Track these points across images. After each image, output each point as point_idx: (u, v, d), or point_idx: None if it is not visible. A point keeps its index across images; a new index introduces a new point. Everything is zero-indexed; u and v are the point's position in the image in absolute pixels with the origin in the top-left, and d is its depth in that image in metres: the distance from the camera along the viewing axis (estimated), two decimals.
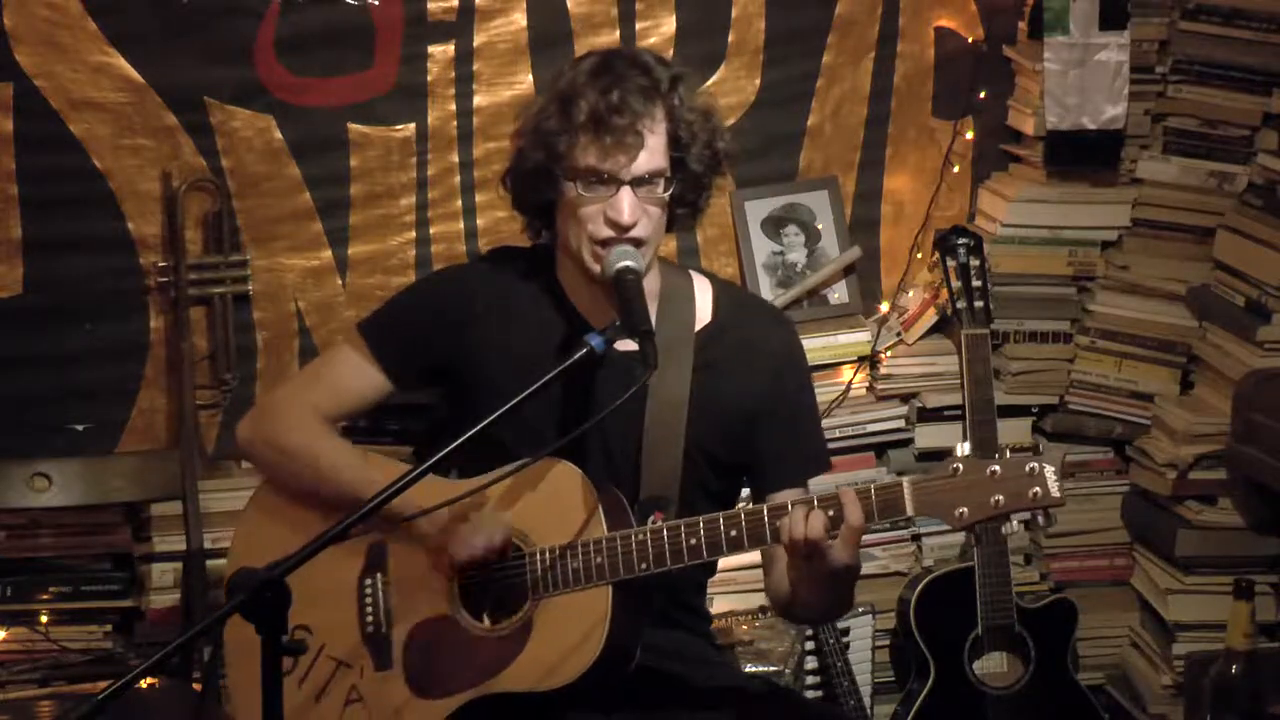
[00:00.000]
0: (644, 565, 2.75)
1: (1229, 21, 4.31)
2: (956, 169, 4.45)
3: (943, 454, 4.24)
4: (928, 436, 4.35)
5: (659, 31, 4.25)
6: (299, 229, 4.18)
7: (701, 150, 2.85)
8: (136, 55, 4.03)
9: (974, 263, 4.13)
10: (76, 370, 4.12)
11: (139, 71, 4.04)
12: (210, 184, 4.10)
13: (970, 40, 4.40)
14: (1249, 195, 4.33)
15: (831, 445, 4.24)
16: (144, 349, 4.14)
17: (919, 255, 4.43)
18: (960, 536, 4.21)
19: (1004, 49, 4.41)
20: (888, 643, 4.30)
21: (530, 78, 4.20)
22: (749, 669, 4.00)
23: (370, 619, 2.90)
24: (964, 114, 4.42)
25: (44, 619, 4.05)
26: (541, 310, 2.95)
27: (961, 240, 4.14)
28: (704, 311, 2.98)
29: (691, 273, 3.04)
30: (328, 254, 4.20)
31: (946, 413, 4.32)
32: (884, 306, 4.44)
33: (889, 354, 4.35)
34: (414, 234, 4.23)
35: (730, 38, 4.30)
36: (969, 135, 4.44)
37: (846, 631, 4.21)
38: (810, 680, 4.15)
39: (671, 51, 4.18)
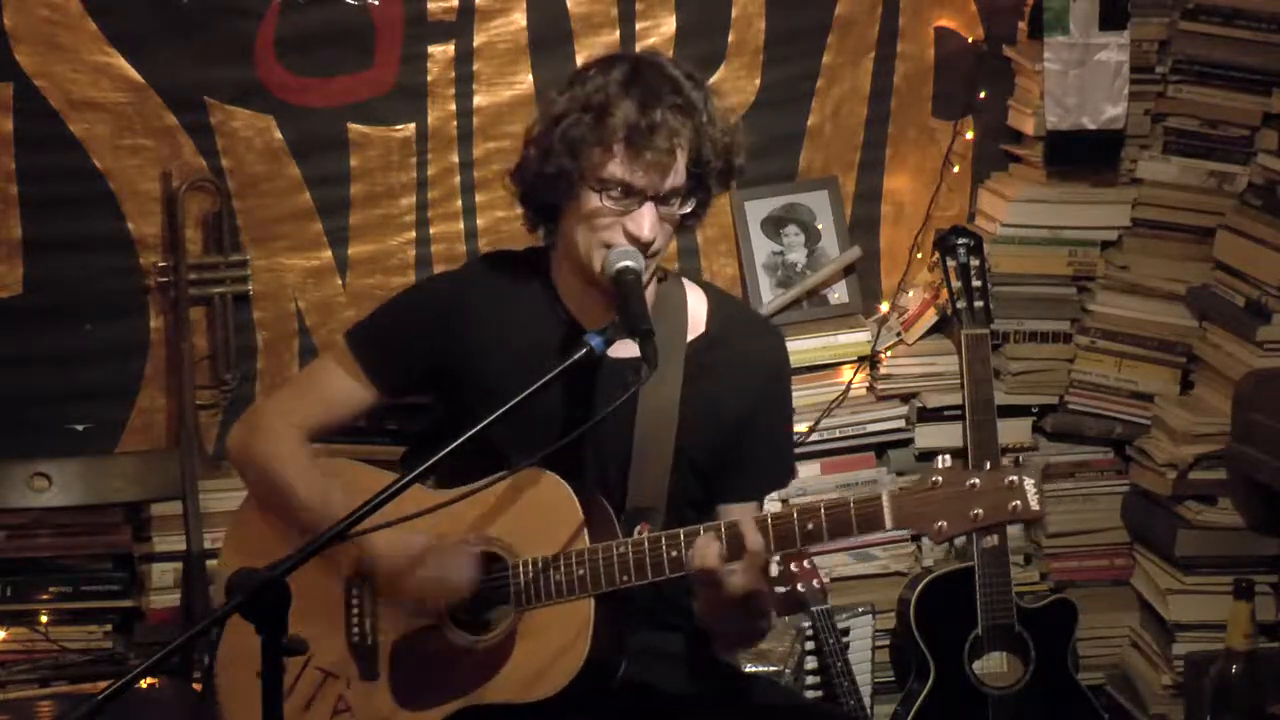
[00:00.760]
0: (625, 578, 2.75)
1: (1229, 21, 4.30)
2: (956, 169, 4.45)
3: (943, 454, 4.27)
4: (928, 436, 4.35)
5: (659, 31, 4.25)
6: (299, 229, 4.18)
7: (721, 169, 2.85)
8: (136, 55, 4.03)
9: (974, 263, 4.13)
10: (76, 370, 4.13)
11: (139, 71, 4.04)
12: (210, 184, 4.10)
13: (970, 40, 4.40)
14: (1249, 195, 4.33)
15: (831, 445, 4.31)
16: (144, 349, 4.15)
17: (919, 255, 4.43)
18: (960, 536, 4.21)
19: (1004, 49, 4.41)
20: (888, 643, 4.30)
21: (530, 78, 4.20)
22: (749, 669, 3.99)
23: (357, 629, 2.90)
24: (964, 114, 4.42)
25: (44, 619, 4.05)
26: (536, 315, 2.94)
27: (961, 240, 4.15)
28: (697, 321, 2.98)
29: (685, 282, 3.04)
30: (328, 254, 4.20)
31: (946, 413, 4.32)
32: (884, 306, 4.44)
33: (889, 354, 4.35)
34: (414, 234, 4.23)
35: (730, 38, 4.30)
36: (969, 135, 4.44)
37: (846, 631, 4.21)
38: (810, 680, 4.15)
39: (672, 51, 4.18)
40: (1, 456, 3.98)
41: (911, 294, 4.42)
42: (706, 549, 2.67)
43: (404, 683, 2.87)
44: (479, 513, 2.84)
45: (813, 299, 4.39)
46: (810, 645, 4.14)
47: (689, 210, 2.85)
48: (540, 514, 2.81)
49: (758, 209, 4.36)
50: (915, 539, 4.35)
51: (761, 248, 4.36)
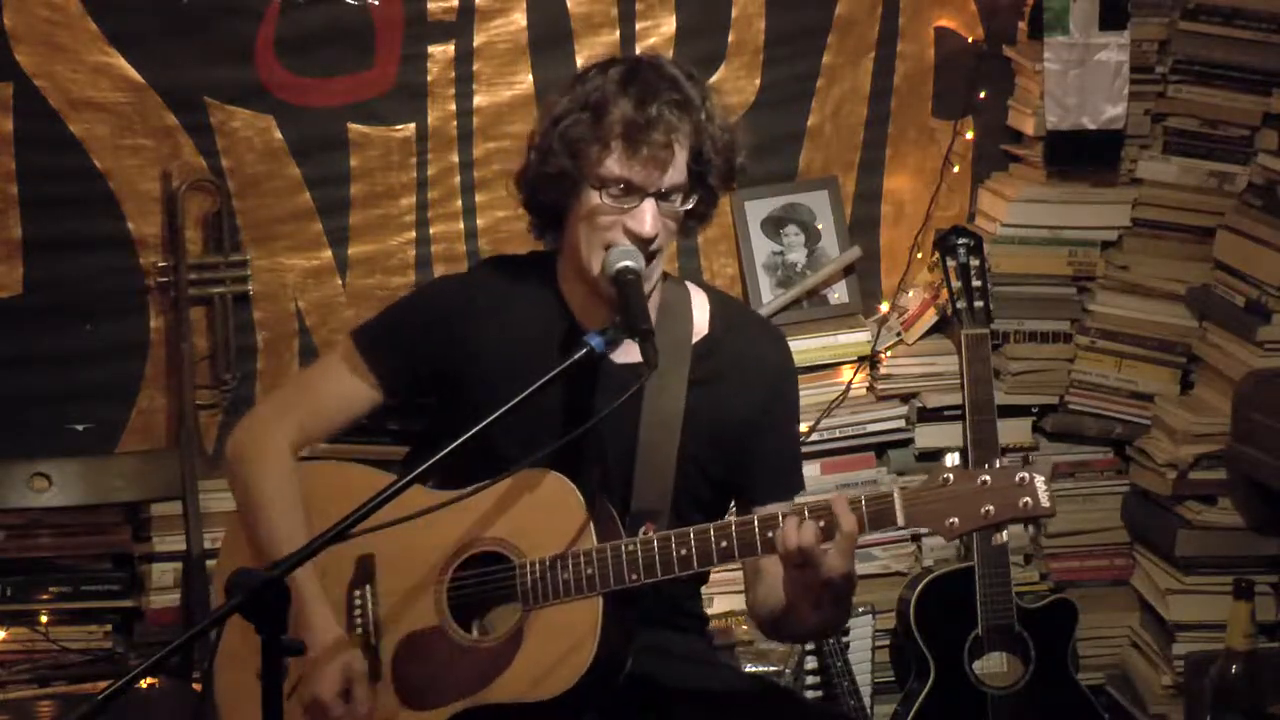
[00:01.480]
0: (634, 576, 2.75)
1: (1229, 21, 4.31)
2: (956, 169, 4.45)
3: (943, 454, 4.27)
4: (928, 436, 4.35)
5: (659, 31, 4.25)
6: (299, 229, 4.18)
7: (722, 167, 2.85)
8: (136, 55, 4.03)
9: (974, 263, 4.13)
10: (76, 370, 4.12)
11: (139, 71, 4.04)
12: (210, 184, 4.10)
13: (970, 40, 4.40)
14: (1249, 195, 4.33)
15: (831, 445, 4.31)
16: (144, 349, 4.15)
17: (919, 255, 4.43)
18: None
19: (1004, 49, 4.41)
20: (888, 643, 4.30)
21: (530, 78, 4.20)
22: (749, 669, 4.00)
23: (360, 630, 2.90)
24: (964, 114, 4.42)
25: (44, 619, 4.05)
26: (540, 318, 2.94)
27: (961, 240, 4.15)
28: (701, 324, 2.98)
29: (689, 285, 3.04)
30: (328, 254, 4.20)
31: (946, 413, 4.32)
32: (884, 306, 4.44)
33: (889, 354, 4.35)
34: (414, 234, 4.23)
35: (730, 38, 4.30)
36: (969, 135, 4.44)
37: (847, 631, 4.20)
38: (810, 680, 4.15)
39: (672, 51, 4.18)
40: (1, 456, 3.98)
41: (911, 294, 4.42)
42: (803, 529, 2.66)
43: (407, 684, 2.86)
44: (484, 512, 2.84)
45: (813, 299, 4.39)
46: (810, 645, 4.14)
47: (690, 207, 2.85)
48: (546, 513, 2.81)
49: (758, 209, 4.36)
50: (915, 539, 4.35)
51: (761, 248, 4.36)
